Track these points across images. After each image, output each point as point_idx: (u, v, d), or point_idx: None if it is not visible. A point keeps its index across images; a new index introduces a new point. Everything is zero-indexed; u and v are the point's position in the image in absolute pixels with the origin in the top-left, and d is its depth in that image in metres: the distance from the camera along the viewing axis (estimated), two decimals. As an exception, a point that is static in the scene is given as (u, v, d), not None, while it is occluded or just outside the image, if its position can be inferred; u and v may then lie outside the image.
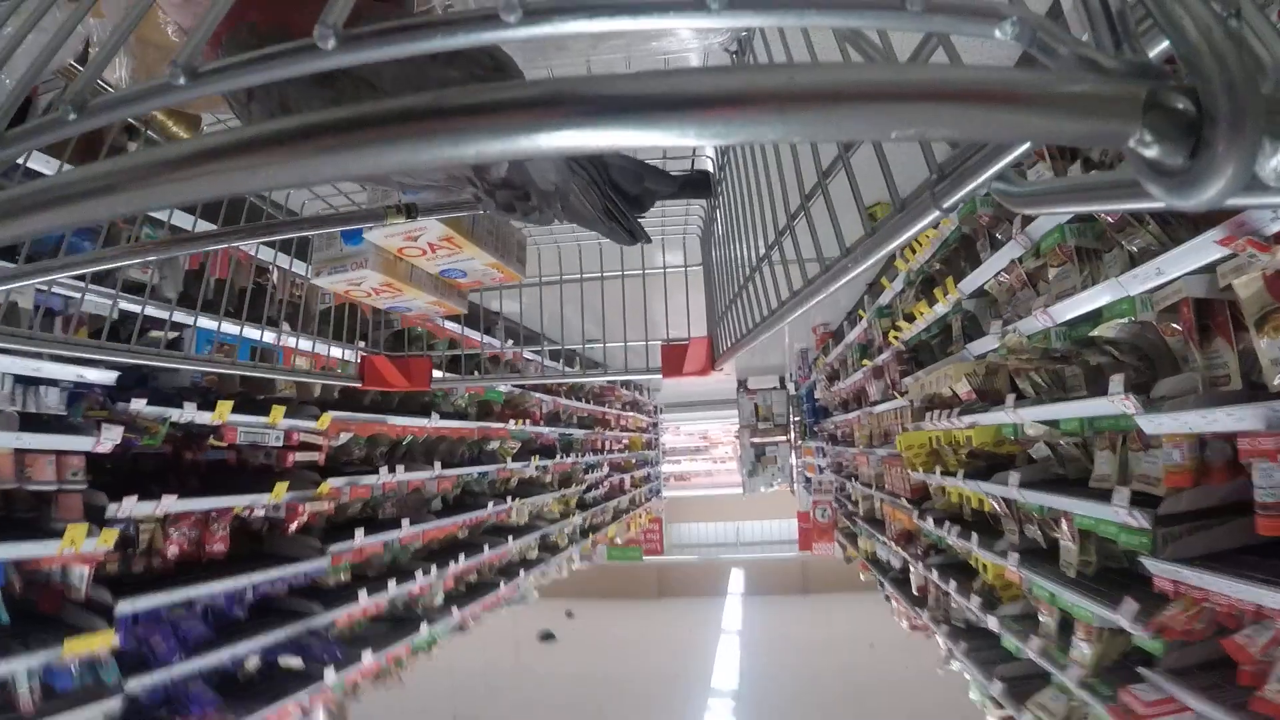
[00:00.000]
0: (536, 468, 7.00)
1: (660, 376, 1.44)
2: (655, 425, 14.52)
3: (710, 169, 1.28)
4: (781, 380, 11.69)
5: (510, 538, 6.18)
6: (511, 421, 6.28)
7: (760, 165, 0.90)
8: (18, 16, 0.54)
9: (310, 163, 0.28)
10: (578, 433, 8.57)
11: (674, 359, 1.41)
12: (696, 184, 1.03)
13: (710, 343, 1.42)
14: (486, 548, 5.76)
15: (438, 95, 0.26)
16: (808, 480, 10.61)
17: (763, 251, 0.89)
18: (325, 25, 0.32)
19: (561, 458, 7.67)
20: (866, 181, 0.62)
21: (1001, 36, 0.30)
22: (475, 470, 5.71)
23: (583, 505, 8.79)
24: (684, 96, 0.21)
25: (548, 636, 11.18)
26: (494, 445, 6.19)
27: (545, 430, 7.28)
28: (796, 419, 10.77)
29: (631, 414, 12.09)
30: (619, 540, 11.43)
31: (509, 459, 6.25)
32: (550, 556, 7.52)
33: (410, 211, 1.13)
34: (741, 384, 12.43)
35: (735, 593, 13.87)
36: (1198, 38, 0.26)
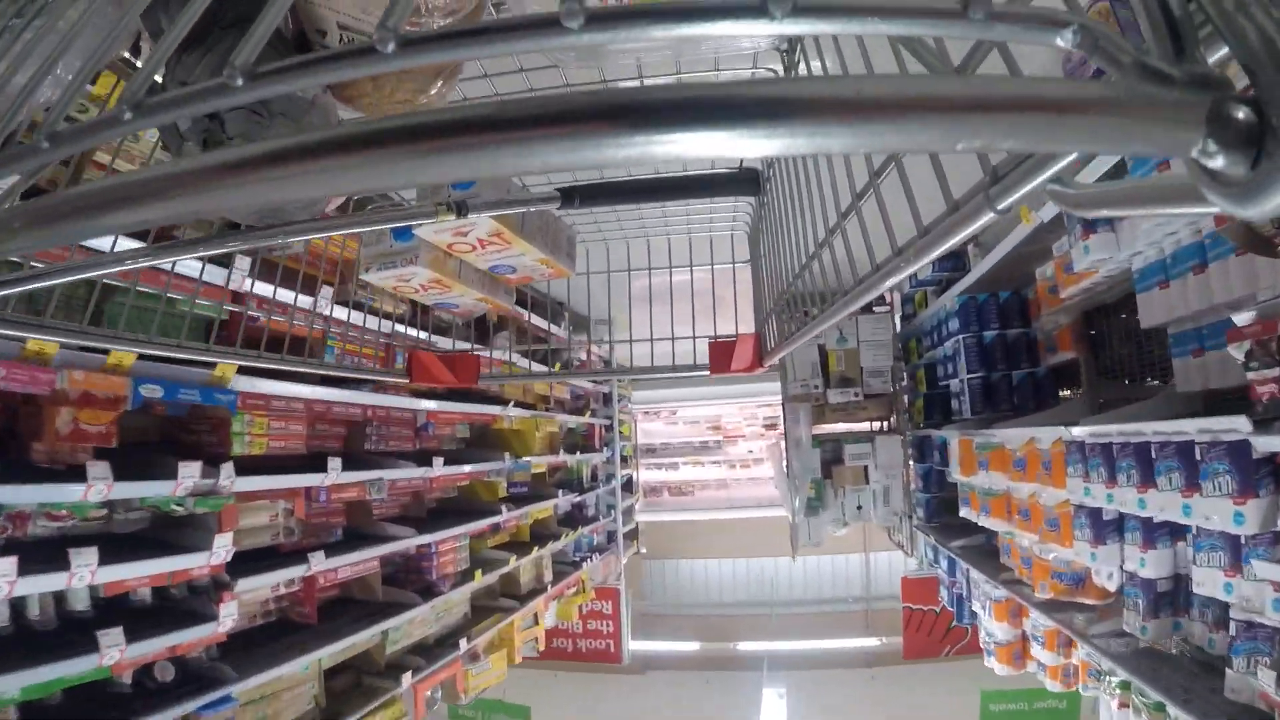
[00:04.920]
0: None
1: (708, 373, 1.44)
2: (609, 398, 7.66)
3: (759, 167, 1.29)
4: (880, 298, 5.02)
5: None
6: None
7: (810, 164, 0.90)
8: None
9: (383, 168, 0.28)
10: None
11: (721, 355, 1.41)
12: (746, 182, 1.03)
13: (758, 339, 1.41)
14: None
15: (500, 104, 0.26)
16: (936, 533, 4.48)
17: (812, 250, 0.90)
18: (385, 29, 0.32)
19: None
20: (917, 181, 0.62)
21: (1063, 45, 0.31)
22: None
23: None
24: (754, 103, 0.22)
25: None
26: None
27: None
28: (906, 381, 4.81)
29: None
30: (477, 681, 4.33)
31: None
32: None
33: (460, 209, 1.15)
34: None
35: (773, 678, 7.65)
36: (1260, 48, 0.26)
